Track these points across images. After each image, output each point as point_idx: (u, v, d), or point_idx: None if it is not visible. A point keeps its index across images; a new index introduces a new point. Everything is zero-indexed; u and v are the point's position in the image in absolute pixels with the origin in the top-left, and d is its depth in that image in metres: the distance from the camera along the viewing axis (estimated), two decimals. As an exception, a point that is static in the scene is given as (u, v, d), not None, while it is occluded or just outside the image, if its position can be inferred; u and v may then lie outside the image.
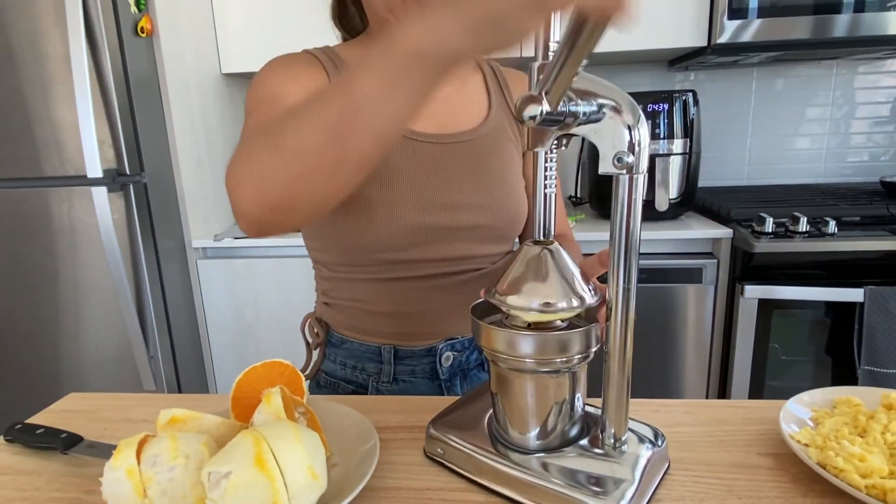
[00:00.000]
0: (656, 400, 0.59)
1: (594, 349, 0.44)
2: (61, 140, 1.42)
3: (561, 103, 0.37)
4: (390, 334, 0.69)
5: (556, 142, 0.43)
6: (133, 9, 1.42)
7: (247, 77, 1.87)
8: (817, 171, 1.92)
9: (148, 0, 1.45)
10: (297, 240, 0.73)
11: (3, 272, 1.53)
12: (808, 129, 1.89)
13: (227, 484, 0.35)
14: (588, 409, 0.51)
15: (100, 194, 1.39)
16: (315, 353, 0.76)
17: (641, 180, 0.38)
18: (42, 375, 1.59)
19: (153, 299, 1.53)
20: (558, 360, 0.43)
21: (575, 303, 0.42)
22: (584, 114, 0.38)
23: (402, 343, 0.70)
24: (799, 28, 1.46)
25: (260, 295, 1.62)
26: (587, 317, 0.48)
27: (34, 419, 0.60)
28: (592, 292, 0.43)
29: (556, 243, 0.44)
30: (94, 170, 1.37)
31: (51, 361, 1.58)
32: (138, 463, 0.39)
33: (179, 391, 1.64)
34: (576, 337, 0.42)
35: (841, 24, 1.45)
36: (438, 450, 0.48)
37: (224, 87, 1.81)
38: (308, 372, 0.75)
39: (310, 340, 0.75)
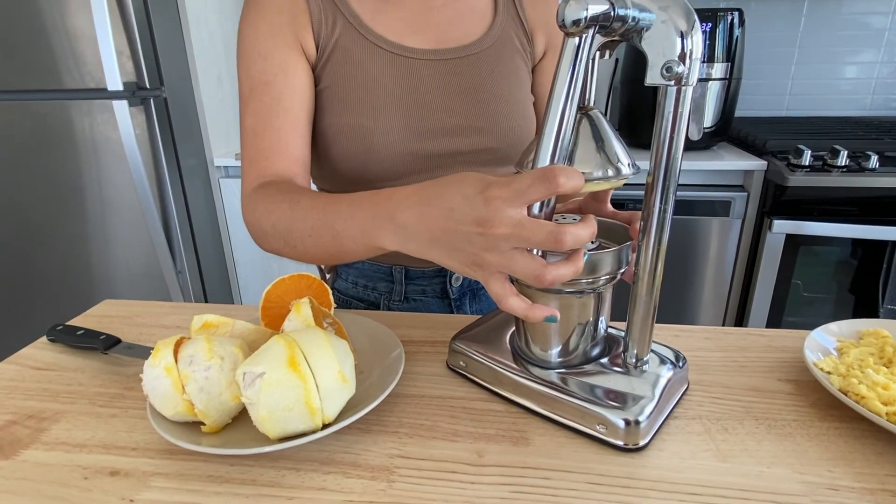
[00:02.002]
0: (676, 325, 0.59)
1: (622, 271, 0.44)
2: (79, 51, 1.39)
3: (610, 5, 0.34)
4: (400, 256, 0.69)
5: (598, 51, 0.40)
6: None
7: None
8: (864, 103, 1.81)
9: None
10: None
11: (29, 185, 1.55)
12: (858, 56, 1.76)
13: (262, 383, 0.37)
14: (611, 330, 0.51)
15: (121, 108, 1.38)
16: (328, 274, 0.77)
17: (689, 93, 0.36)
18: (74, 286, 1.66)
19: (178, 216, 1.55)
20: (584, 280, 0.42)
21: (612, 172, 0.40)
22: (634, 18, 0.35)
23: (413, 264, 0.70)
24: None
25: (282, 215, 1.63)
26: (618, 238, 0.47)
27: (73, 321, 0.63)
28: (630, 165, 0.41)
29: (595, 109, 0.42)
30: (115, 82, 1.35)
31: (82, 273, 1.64)
32: (176, 362, 0.40)
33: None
34: (605, 258, 0.42)
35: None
36: (461, 362, 0.50)
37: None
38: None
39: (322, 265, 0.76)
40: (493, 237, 0.35)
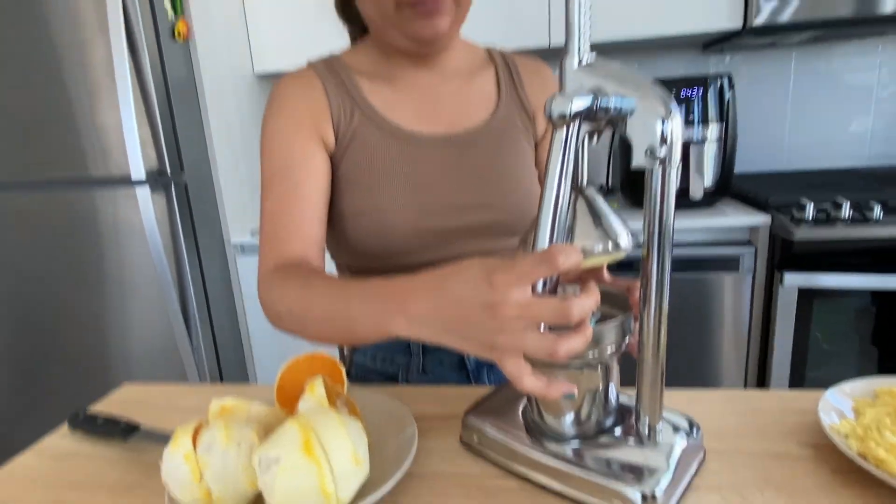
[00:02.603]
0: (691, 389, 0.59)
1: (626, 342, 0.45)
2: (106, 143, 1.48)
3: (593, 99, 0.37)
4: None
5: (587, 136, 0.43)
6: (170, 13, 1.47)
7: (280, 77, 1.91)
8: (861, 154, 1.84)
9: (183, 4, 1.50)
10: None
11: (52, 270, 1.61)
12: (851, 110, 1.82)
13: (277, 469, 0.37)
14: (623, 398, 0.51)
15: (143, 194, 1.45)
16: (346, 348, 0.78)
17: (674, 173, 0.39)
18: (92, 366, 1.68)
19: (195, 294, 1.59)
20: (590, 353, 0.43)
21: (612, 246, 0.42)
22: (616, 108, 0.38)
23: None
24: (841, 5, 1.41)
25: (296, 289, 1.66)
26: (620, 305, 0.48)
27: (95, 406, 0.64)
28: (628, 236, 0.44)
29: (591, 188, 0.45)
30: (138, 171, 1.43)
31: (100, 353, 1.66)
32: (194, 448, 0.41)
33: (221, 381, 1.71)
34: (609, 330, 0.43)
35: (887, 0, 1.38)
36: (474, 437, 0.50)
37: (257, 85, 1.85)
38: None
39: None
40: (502, 320, 0.37)
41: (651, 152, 0.38)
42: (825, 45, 1.77)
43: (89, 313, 1.63)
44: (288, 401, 0.52)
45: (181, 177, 1.53)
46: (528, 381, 0.38)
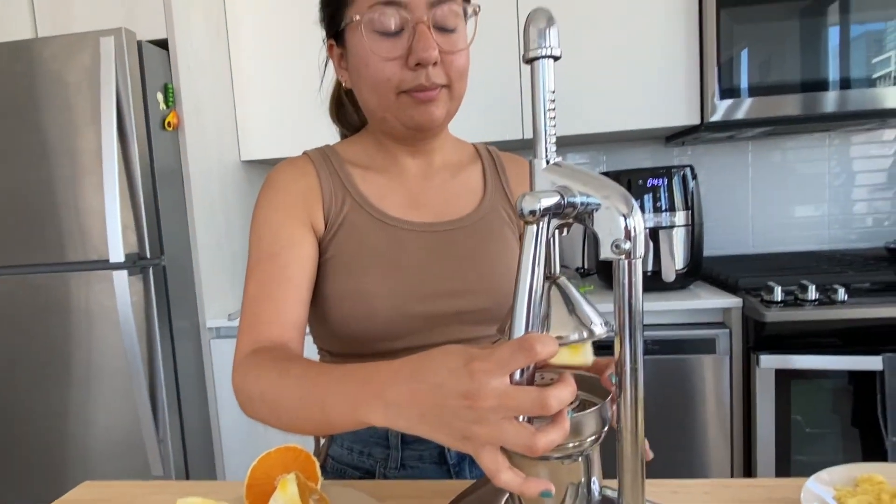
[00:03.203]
0: (674, 480, 0.58)
1: (605, 430, 0.44)
2: (86, 226, 1.49)
3: (560, 197, 0.40)
4: None
5: (557, 229, 0.45)
6: (162, 105, 1.54)
7: (264, 164, 1.97)
8: (822, 237, 1.94)
9: (175, 96, 1.58)
10: (311, 321, 0.75)
11: (19, 355, 1.55)
12: (807, 197, 1.93)
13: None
14: (607, 491, 0.50)
15: (120, 278, 1.44)
16: (322, 440, 0.76)
17: (639, 264, 0.41)
18: (50, 458, 1.57)
19: (166, 380, 1.53)
20: (570, 444, 0.43)
21: (587, 333, 0.43)
22: (582, 204, 0.41)
23: None
24: (789, 105, 1.54)
25: (271, 374, 1.62)
26: (597, 391, 0.48)
27: (48, 510, 0.60)
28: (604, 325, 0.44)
29: (563, 277, 0.46)
30: (117, 254, 1.42)
31: (58, 445, 1.56)
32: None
33: (187, 476, 1.60)
34: (588, 418, 0.43)
35: (829, 100, 1.52)
36: (454, 537, 0.48)
37: (243, 172, 1.91)
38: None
39: None
40: (480, 410, 0.37)
41: (616, 246, 0.40)
42: (779, 139, 1.92)
43: (51, 402, 1.55)
44: (258, 499, 0.50)
45: (160, 260, 1.53)
46: (506, 475, 0.37)
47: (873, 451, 1.33)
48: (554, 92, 0.43)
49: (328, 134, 0.81)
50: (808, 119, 1.56)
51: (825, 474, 0.51)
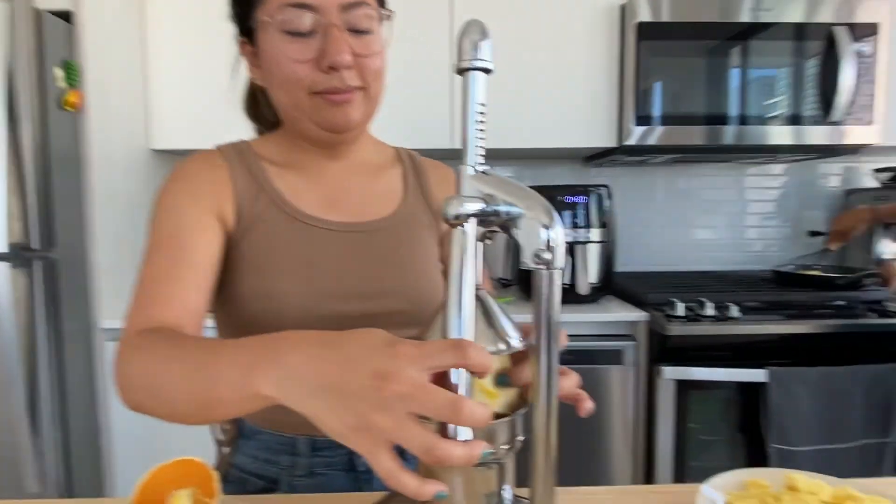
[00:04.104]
0: (583, 488, 0.59)
1: (520, 439, 0.45)
2: (-39, 212, 1.31)
3: (484, 204, 0.40)
4: (307, 425, 0.66)
5: (481, 236, 0.45)
6: (62, 83, 1.40)
7: (176, 154, 1.85)
8: (720, 259, 2.11)
9: (79, 75, 1.44)
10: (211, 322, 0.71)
11: None
12: (707, 221, 2.10)
13: None
14: (519, 500, 0.50)
15: (2, 270, 1.28)
16: (224, 448, 0.71)
17: (558, 275, 0.41)
18: None
19: (49, 387, 1.38)
20: (485, 451, 0.43)
21: (504, 346, 0.43)
22: (506, 213, 0.41)
23: (320, 433, 0.67)
24: (694, 135, 1.67)
25: (174, 381, 1.50)
26: (515, 404, 0.49)
27: None
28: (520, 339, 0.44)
29: (483, 290, 0.46)
30: (-2, 244, 1.27)
31: None
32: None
33: (70, 494, 1.45)
34: (504, 427, 0.43)
35: (729, 134, 1.66)
36: (362, 553, 0.46)
37: (151, 162, 1.77)
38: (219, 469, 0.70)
39: (220, 437, 0.71)
40: (389, 394, 0.34)
41: (538, 256, 0.41)
42: (685, 166, 2.07)
43: None
44: (147, 518, 0.46)
45: (51, 252, 1.38)
46: (404, 477, 0.34)
47: (757, 457, 1.46)
48: (484, 105, 0.43)
49: (248, 129, 0.78)
50: (710, 149, 1.70)
51: (718, 479, 0.54)
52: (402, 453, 0.73)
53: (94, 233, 1.50)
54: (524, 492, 0.48)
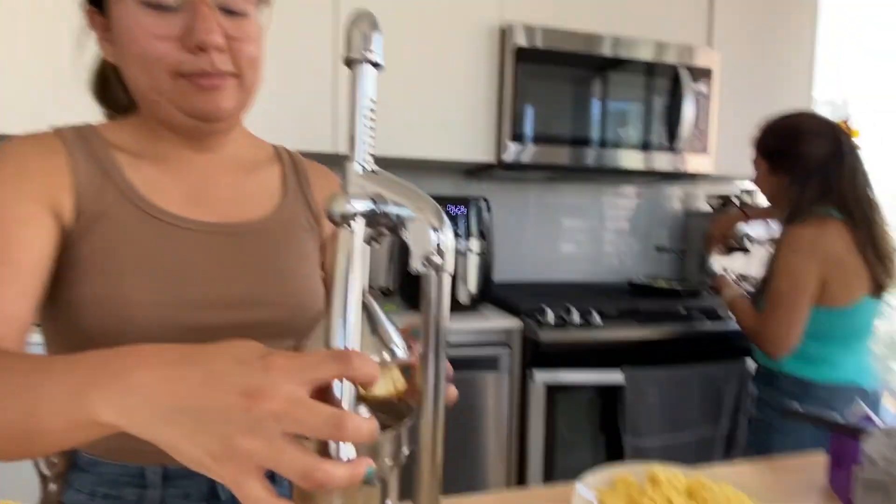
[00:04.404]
0: (463, 497, 0.59)
1: (406, 453, 0.43)
2: None
3: (373, 203, 0.38)
4: (159, 452, 0.58)
5: (368, 238, 0.43)
6: None
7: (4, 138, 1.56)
8: (584, 270, 2.29)
9: None
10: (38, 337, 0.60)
11: None
12: (572, 236, 2.28)
13: None
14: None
15: None
16: (51, 485, 0.60)
17: (448, 279, 0.40)
18: None
19: None
20: (374, 467, 0.40)
21: (389, 355, 0.40)
22: (395, 215, 0.39)
23: (174, 462, 0.59)
24: (562, 155, 1.80)
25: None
26: (397, 413, 0.46)
27: None
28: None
29: (367, 295, 0.43)
30: None
31: None
32: None
33: None
34: (389, 441, 0.40)
35: (591, 156, 1.82)
36: None
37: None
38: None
39: (45, 472, 0.59)
40: (260, 414, 0.30)
41: (427, 259, 0.39)
42: (554, 184, 2.22)
43: None
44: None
45: None
46: None
47: (615, 452, 1.59)
48: (374, 101, 0.41)
49: (96, 113, 0.67)
50: (574, 169, 1.85)
51: (590, 478, 0.57)
52: (272, 478, 0.67)
53: None
54: (408, 507, 0.46)
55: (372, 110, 0.40)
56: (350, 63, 0.40)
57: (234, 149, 0.66)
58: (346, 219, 0.36)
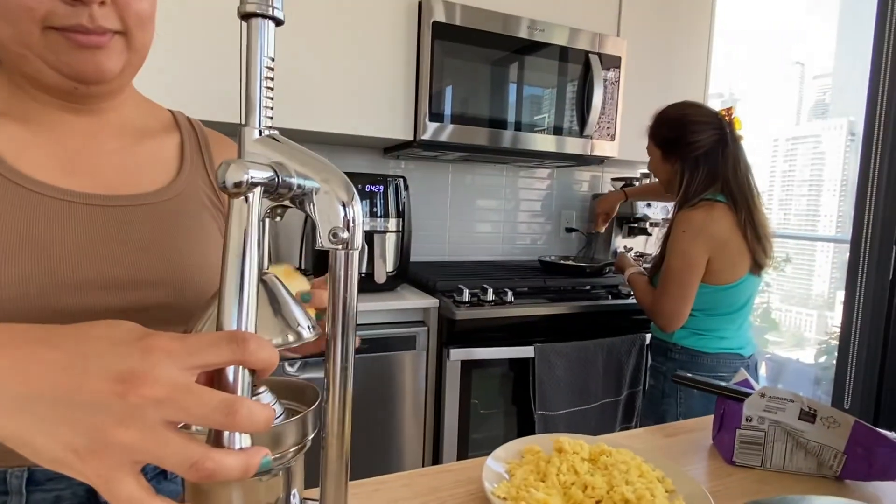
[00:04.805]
0: (373, 479, 0.58)
1: (310, 438, 0.41)
2: None
3: (273, 173, 0.35)
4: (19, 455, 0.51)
5: (269, 211, 0.40)
6: None
7: None
8: (497, 250, 2.34)
9: None
10: None
11: None
12: (488, 216, 2.31)
13: None
14: (307, 502, 0.46)
15: None
16: None
17: (356, 256, 0.38)
18: None
19: None
20: (271, 457, 0.38)
21: (293, 336, 0.39)
22: (299, 186, 0.37)
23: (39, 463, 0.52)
24: (479, 136, 1.80)
25: None
26: (300, 398, 0.44)
27: None
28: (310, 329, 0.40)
29: (270, 274, 0.40)
30: None
31: None
32: None
33: None
34: (292, 427, 0.38)
35: (506, 138, 1.84)
36: None
37: None
38: None
39: None
40: (137, 401, 0.26)
41: (334, 235, 0.37)
42: (472, 164, 2.24)
43: None
44: None
45: None
46: None
47: (526, 424, 1.65)
48: (273, 59, 0.38)
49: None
50: (490, 150, 1.86)
51: (500, 451, 0.58)
52: (163, 475, 0.62)
53: None
54: (313, 492, 0.45)
55: (270, 69, 0.37)
56: (246, 17, 0.36)
57: (121, 113, 0.59)
58: (240, 189, 0.33)
